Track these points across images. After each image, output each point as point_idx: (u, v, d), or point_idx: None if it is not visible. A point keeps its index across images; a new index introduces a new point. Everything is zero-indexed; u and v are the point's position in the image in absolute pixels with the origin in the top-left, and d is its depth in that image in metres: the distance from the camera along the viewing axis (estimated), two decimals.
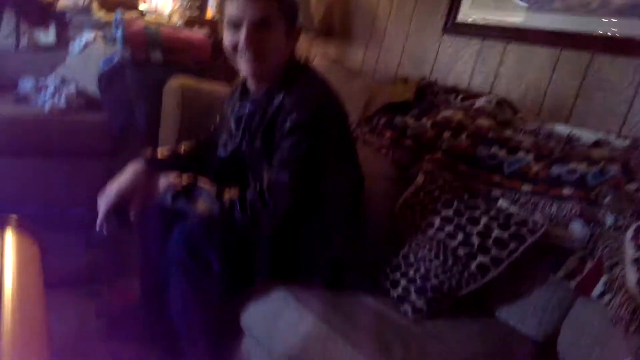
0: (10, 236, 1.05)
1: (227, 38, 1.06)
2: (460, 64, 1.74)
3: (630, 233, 0.95)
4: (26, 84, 1.99)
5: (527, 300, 1.08)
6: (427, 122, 1.51)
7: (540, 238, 1.04)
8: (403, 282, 1.10)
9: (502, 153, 1.27)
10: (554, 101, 1.47)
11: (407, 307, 1.06)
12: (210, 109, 1.60)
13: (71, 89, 1.95)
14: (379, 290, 1.13)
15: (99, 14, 2.33)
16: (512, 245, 1.04)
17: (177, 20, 2.47)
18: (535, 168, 1.19)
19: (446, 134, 1.42)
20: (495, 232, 1.07)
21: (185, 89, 1.72)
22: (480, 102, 1.52)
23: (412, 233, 1.19)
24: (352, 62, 2.19)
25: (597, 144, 1.18)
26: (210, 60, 2.04)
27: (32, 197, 1.82)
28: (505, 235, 1.06)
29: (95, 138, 1.88)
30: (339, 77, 1.96)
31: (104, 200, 1.13)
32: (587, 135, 1.24)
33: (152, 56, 1.90)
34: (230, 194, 1.06)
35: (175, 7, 2.69)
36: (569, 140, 1.25)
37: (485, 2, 1.68)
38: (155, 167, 1.16)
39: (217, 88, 1.86)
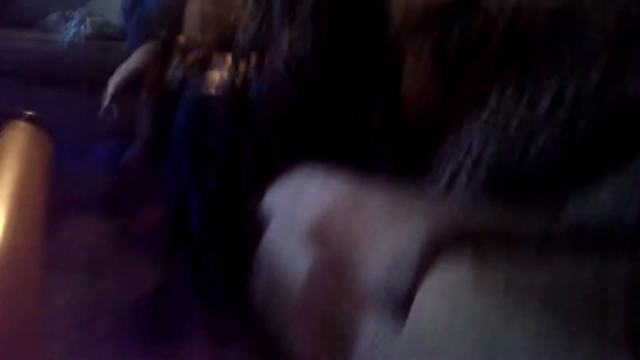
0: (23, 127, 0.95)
1: None
2: None
3: None
4: (52, 16, 1.94)
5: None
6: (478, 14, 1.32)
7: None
8: (451, 165, 0.92)
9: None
10: None
11: (456, 186, 0.88)
12: None
13: (97, 19, 1.89)
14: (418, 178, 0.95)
15: None
16: (594, 110, 0.83)
17: None
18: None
19: (501, 22, 1.22)
20: (567, 101, 0.86)
21: None
22: None
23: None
24: None
25: None
26: None
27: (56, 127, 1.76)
28: (583, 101, 0.85)
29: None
30: None
31: (114, 80, 1.01)
32: None
33: None
34: (249, 63, 0.91)
35: None
36: None
37: None
38: (171, 47, 1.04)
39: None
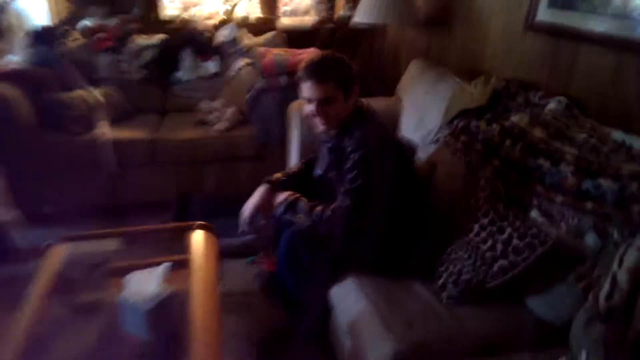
0: (198, 234, 1.74)
1: (305, 107, 1.52)
2: (538, 61, 1.84)
3: (620, 249, 1.12)
4: (202, 107, 2.75)
5: (550, 292, 1.32)
6: (496, 127, 1.71)
7: (549, 248, 1.26)
8: (445, 274, 1.45)
9: (546, 164, 1.44)
10: (619, 106, 1.52)
11: (444, 294, 1.42)
12: None
13: (231, 110, 2.64)
14: (430, 279, 1.50)
15: (246, 41, 2.96)
16: (525, 253, 1.29)
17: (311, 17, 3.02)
18: (571, 181, 1.36)
19: (507, 142, 1.62)
20: (514, 242, 1.32)
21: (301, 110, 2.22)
22: (550, 105, 1.66)
23: (458, 234, 1.51)
24: (449, 56, 2.39)
25: None
26: None
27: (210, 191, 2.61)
28: (521, 244, 1.31)
29: (247, 146, 2.55)
30: (429, 78, 2.23)
31: (244, 213, 1.72)
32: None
33: (281, 81, 2.44)
34: (318, 209, 1.54)
35: (310, 5, 3.24)
36: (619, 147, 1.36)
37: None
38: (273, 188, 1.71)
39: None
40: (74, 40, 2.82)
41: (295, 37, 3.41)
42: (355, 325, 1.37)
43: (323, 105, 1.46)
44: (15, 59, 2.63)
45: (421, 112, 2.15)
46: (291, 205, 1.61)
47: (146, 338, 1.30)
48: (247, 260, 2.22)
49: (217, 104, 2.73)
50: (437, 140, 1.99)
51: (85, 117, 2.48)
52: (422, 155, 2.08)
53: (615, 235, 1.19)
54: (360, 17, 2.56)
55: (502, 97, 1.83)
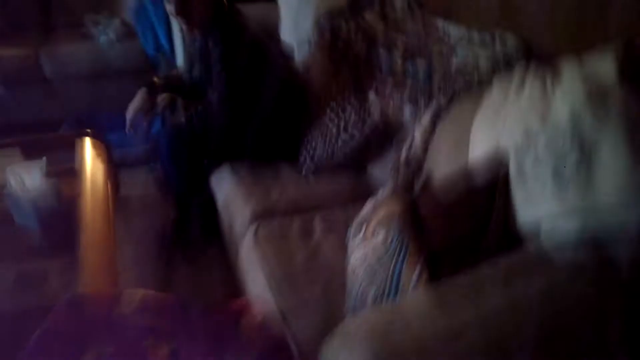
0: (87, 142, 1.87)
1: (167, 8, 1.62)
2: None
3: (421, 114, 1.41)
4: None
5: (385, 158, 1.63)
6: (352, 24, 1.92)
7: (376, 120, 1.55)
8: (304, 152, 1.71)
9: (384, 53, 1.69)
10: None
11: (304, 168, 1.69)
12: None
13: (116, 22, 2.64)
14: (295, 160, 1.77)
15: None
16: (359, 125, 1.57)
17: None
18: (399, 64, 1.62)
19: (359, 37, 1.84)
20: (352, 117, 1.59)
21: None
22: (397, 3, 1.88)
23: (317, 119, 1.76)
24: None
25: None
26: None
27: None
28: (357, 118, 1.58)
29: (136, 60, 2.59)
30: None
31: (127, 115, 1.85)
32: (457, 32, 1.59)
33: None
34: (193, 108, 1.71)
35: None
36: (442, 34, 1.62)
37: None
38: (152, 91, 1.84)
39: None
40: None
41: None
42: (226, 202, 1.62)
43: (181, 3, 1.57)
44: None
45: (296, 15, 2.29)
46: (169, 105, 1.77)
47: (36, 230, 1.46)
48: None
49: (100, 17, 2.70)
50: (310, 42, 2.18)
51: None
52: (299, 56, 2.26)
53: (422, 104, 1.47)
54: None
55: None
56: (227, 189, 1.63)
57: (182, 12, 1.58)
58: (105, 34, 2.60)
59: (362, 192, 1.58)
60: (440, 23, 1.65)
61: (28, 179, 1.43)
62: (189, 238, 1.91)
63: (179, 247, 1.87)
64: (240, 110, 1.68)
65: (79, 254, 1.30)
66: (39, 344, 0.84)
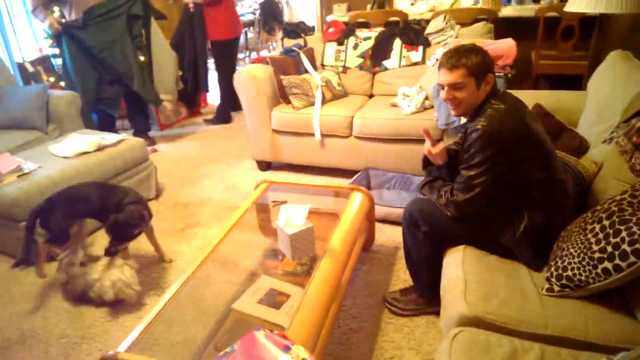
0: (358, 195, 2.15)
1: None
2: None
3: None
4: (399, 93, 3.08)
5: None
6: None
7: None
8: (552, 268, 1.45)
9: None
10: None
11: (545, 286, 1.42)
12: None
13: (421, 96, 2.90)
14: (538, 270, 1.52)
15: (450, 32, 3.12)
16: (631, 259, 1.21)
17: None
18: None
19: None
20: (623, 246, 1.24)
21: None
22: None
23: (580, 230, 1.45)
24: None
25: None
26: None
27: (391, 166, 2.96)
28: (629, 249, 1.22)
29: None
30: (621, 70, 2.02)
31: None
32: None
33: None
34: (439, 193, 1.71)
35: None
36: None
37: None
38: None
39: None
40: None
41: (512, 27, 3.36)
42: (445, 289, 1.53)
43: (453, 90, 1.61)
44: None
45: (602, 106, 1.97)
46: (429, 182, 1.83)
47: (289, 257, 1.78)
48: None
49: (412, 89, 3.02)
50: (611, 139, 1.83)
51: (307, 95, 3.15)
52: (594, 151, 1.94)
53: None
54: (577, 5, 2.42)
55: None
56: (453, 273, 1.55)
57: (452, 97, 1.63)
58: (408, 105, 2.90)
59: (610, 339, 1.23)
60: None
61: (294, 217, 1.75)
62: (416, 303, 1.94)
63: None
64: (483, 204, 1.59)
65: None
66: (219, 358, 1.03)
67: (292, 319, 1.44)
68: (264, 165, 3.46)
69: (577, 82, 3.35)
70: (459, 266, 1.56)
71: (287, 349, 1.03)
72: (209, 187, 3.28)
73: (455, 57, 1.59)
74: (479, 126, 1.55)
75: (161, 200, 3.13)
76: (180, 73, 4.37)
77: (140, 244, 2.53)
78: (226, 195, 3.15)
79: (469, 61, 1.58)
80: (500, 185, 1.57)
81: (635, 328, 1.25)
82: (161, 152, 3.96)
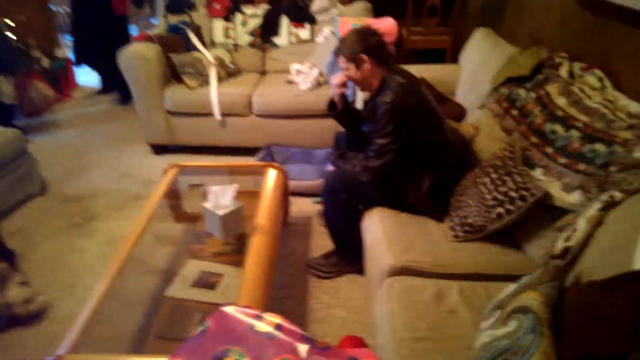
0: (272, 171, 2.22)
1: None
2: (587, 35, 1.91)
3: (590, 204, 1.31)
4: (292, 70, 3.18)
5: (542, 237, 1.54)
6: (532, 95, 1.88)
7: (539, 200, 1.47)
8: (455, 218, 1.73)
9: (561, 130, 1.61)
10: None
11: (451, 234, 1.70)
12: None
13: (315, 72, 3.04)
14: (442, 220, 1.79)
15: (333, 10, 3.29)
16: (518, 203, 1.52)
17: None
18: (575, 145, 1.52)
19: (537, 109, 1.79)
20: (511, 193, 1.55)
21: None
22: (588, 76, 1.78)
23: (472, 183, 1.75)
24: (520, 26, 2.48)
25: None
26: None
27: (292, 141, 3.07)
28: (516, 195, 1.53)
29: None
30: (487, 46, 2.39)
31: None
32: None
33: None
34: (354, 162, 1.89)
35: None
36: (630, 118, 1.49)
37: None
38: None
39: None
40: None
41: (385, 6, 3.64)
42: (370, 247, 1.73)
43: (347, 72, 1.86)
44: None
45: (474, 78, 2.33)
46: (341, 155, 1.99)
47: (221, 237, 1.81)
48: (312, 200, 2.67)
49: (304, 67, 3.13)
50: (484, 105, 2.19)
51: (200, 75, 3.08)
52: (471, 117, 2.29)
53: (594, 193, 1.36)
54: None
55: (545, 68, 1.95)
56: (375, 233, 1.74)
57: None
58: (304, 81, 3.02)
59: (508, 269, 1.53)
60: (634, 107, 1.51)
61: (222, 199, 1.78)
62: (340, 267, 2.10)
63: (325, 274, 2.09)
64: (394, 169, 1.80)
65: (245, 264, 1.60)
66: (194, 339, 1.07)
67: (238, 296, 1.50)
68: (160, 149, 3.32)
69: (440, 55, 3.80)
70: (378, 226, 1.76)
71: (259, 318, 1.11)
72: (99, 176, 3.05)
73: (338, 46, 1.84)
74: (387, 99, 1.74)
75: (48, 196, 2.83)
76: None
77: (36, 245, 2.29)
78: (122, 184, 2.97)
79: (344, 49, 1.82)
80: (405, 150, 1.80)
81: (524, 258, 1.58)
82: (36, 143, 3.52)
